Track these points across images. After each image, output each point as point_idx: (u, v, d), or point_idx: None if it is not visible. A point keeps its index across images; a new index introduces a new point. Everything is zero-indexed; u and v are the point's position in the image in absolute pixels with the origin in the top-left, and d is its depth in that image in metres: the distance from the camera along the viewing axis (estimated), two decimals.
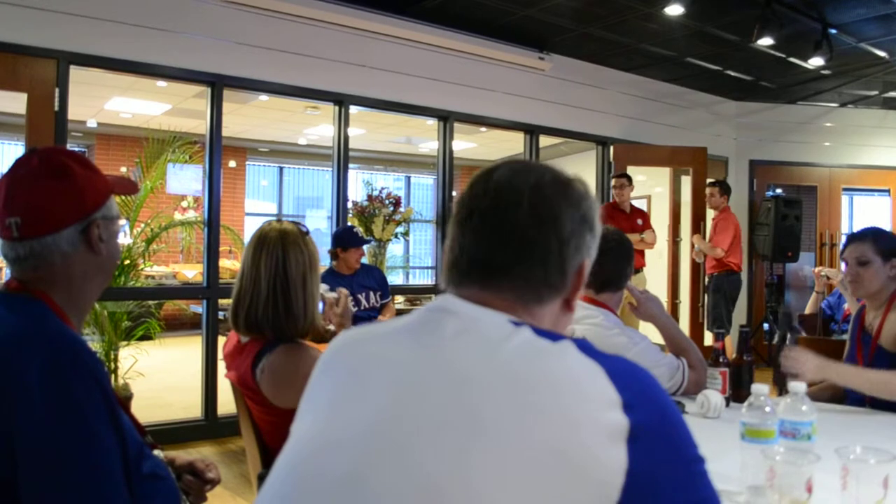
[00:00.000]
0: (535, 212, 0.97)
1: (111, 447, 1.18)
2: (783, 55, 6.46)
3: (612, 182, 6.55)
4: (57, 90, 4.42)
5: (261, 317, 1.97)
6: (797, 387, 1.56)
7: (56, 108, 4.43)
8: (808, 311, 4.82)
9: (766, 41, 5.54)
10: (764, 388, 1.52)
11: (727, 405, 2.24)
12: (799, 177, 8.50)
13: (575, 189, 1.02)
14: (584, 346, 0.89)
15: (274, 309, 1.97)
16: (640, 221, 6.44)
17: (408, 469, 0.81)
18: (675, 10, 5.20)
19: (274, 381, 1.95)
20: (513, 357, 0.87)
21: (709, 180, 7.24)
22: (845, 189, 8.61)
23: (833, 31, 5.74)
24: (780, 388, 2.02)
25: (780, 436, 1.51)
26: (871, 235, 2.57)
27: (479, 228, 0.98)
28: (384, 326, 1.02)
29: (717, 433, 1.97)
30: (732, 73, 7.21)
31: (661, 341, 2.58)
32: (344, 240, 4.71)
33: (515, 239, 0.97)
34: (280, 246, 2.00)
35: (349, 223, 5.62)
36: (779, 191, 8.23)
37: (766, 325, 7.51)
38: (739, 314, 8.16)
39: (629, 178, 6.50)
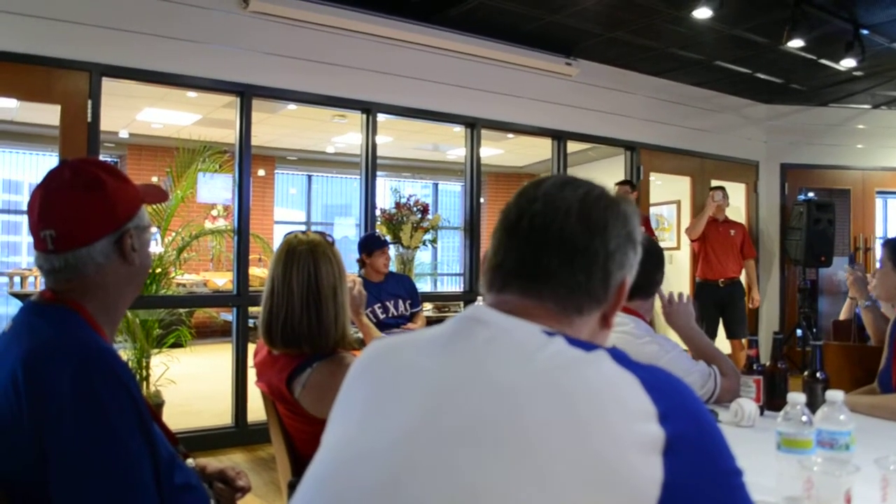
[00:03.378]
0: (584, 221, 0.98)
1: (141, 456, 1.19)
2: (814, 57, 6.38)
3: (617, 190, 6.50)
4: (90, 102, 4.50)
5: (297, 331, 1.96)
6: (834, 395, 1.53)
7: (89, 120, 4.50)
8: (842, 316, 4.73)
9: (796, 43, 5.47)
10: (801, 398, 1.49)
11: (761, 414, 2.20)
12: (831, 180, 8.37)
13: (622, 206, 1.04)
14: (619, 355, 0.89)
15: (308, 323, 1.96)
16: (641, 228, 6.34)
17: (445, 477, 0.81)
18: (703, 14, 5.16)
19: (318, 396, 1.94)
20: (549, 366, 0.86)
21: (718, 184, 7.13)
22: (879, 192, 8.46)
23: (865, 31, 5.65)
24: (809, 395, 1.99)
25: (818, 446, 1.48)
26: (891, 242, 2.67)
27: (527, 233, 0.99)
28: (415, 336, 1.02)
29: (751, 442, 1.94)
30: (762, 76, 7.13)
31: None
32: (367, 245, 4.79)
33: (564, 244, 0.97)
34: (311, 259, 1.99)
35: (376, 230, 5.64)
36: (811, 194, 8.11)
37: (799, 332, 7.39)
38: (772, 320, 8.06)
39: (632, 185, 6.52)
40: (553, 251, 0.97)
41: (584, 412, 0.81)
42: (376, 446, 0.88)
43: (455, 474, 0.80)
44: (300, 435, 2.07)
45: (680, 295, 2.58)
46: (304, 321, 1.96)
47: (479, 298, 1.06)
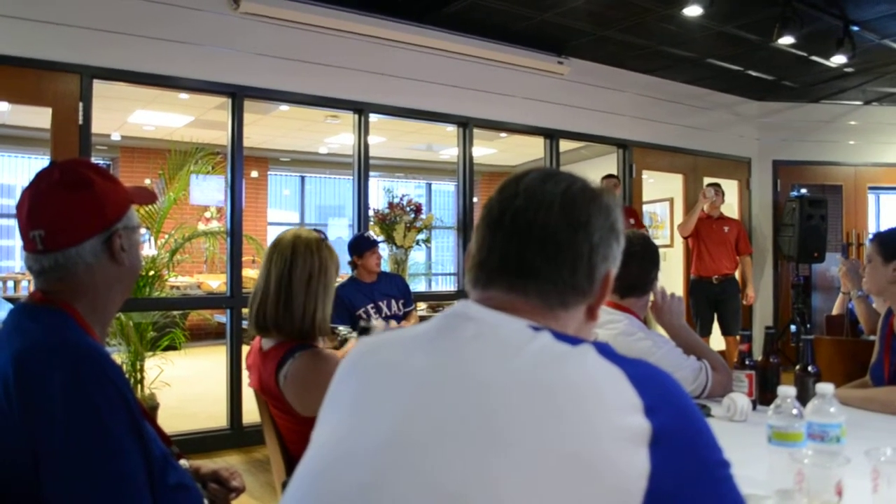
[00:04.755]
0: (567, 216, 0.98)
1: (134, 457, 1.19)
2: (805, 54, 6.40)
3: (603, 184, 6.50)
4: (81, 104, 4.48)
5: (268, 315, 2.07)
6: (825, 388, 1.53)
7: (80, 122, 4.49)
8: (835, 311, 4.75)
9: (786, 40, 5.49)
10: (791, 391, 1.50)
11: (754, 408, 2.21)
12: (823, 176, 8.40)
13: (604, 198, 1.03)
14: (605, 349, 0.89)
15: (276, 307, 2.07)
16: (632, 221, 6.33)
17: (425, 477, 0.81)
18: (693, 11, 5.17)
19: (296, 387, 2.00)
20: (532, 362, 0.86)
21: (713, 181, 7.17)
22: (871, 188, 8.49)
23: (855, 28, 5.67)
24: (800, 389, 1.99)
25: (809, 438, 1.49)
26: (880, 236, 2.66)
27: (510, 229, 0.99)
28: (402, 333, 1.02)
29: (743, 436, 1.94)
30: (754, 73, 7.15)
31: None
32: (356, 246, 4.79)
33: (547, 241, 0.97)
34: (290, 249, 2.11)
35: (368, 230, 5.64)
36: (803, 191, 8.13)
37: (792, 327, 7.41)
38: (765, 316, 8.08)
39: (618, 179, 6.49)
40: (537, 247, 0.97)
41: (564, 406, 0.81)
42: (361, 447, 0.87)
43: (436, 474, 0.80)
44: (290, 435, 2.10)
45: (672, 294, 2.58)
46: (274, 305, 2.07)
47: None
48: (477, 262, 1.02)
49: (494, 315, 0.94)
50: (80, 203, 1.35)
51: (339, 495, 0.85)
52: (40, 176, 1.37)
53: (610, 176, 6.51)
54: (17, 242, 10.01)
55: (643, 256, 2.42)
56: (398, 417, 0.88)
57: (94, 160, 5.39)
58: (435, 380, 0.89)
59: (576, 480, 0.78)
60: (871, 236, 2.72)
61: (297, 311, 2.07)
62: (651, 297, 2.57)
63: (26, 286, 8.85)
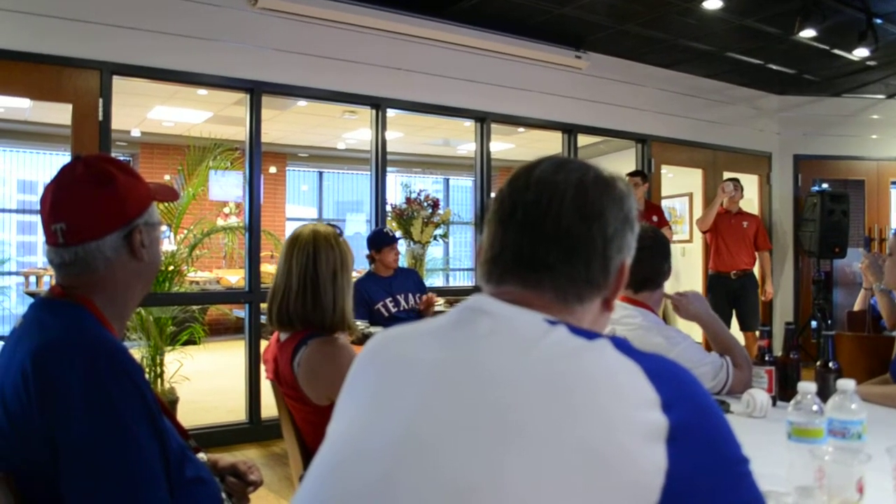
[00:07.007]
0: (580, 209, 0.96)
1: (151, 451, 1.20)
2: (826, 47, 6.32)
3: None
4: (101, 100, 4.52)
5: (292, 310, 2.07)
6: (846, 384, 1.51)
7: (100, 118, 4.53)
8: (856, 307, 4.70)
9: (808, 33, 5.43)
10: (811, 387, 1.48)
11: (774, 404, 2.19)
12: (845, 171, 8.30)
13: (618, 188, 1.00)
14: (622, 344, 0.87)
15: (303, 302, 2.07)
16: (655, 218, 6.28)
17: (440, 472, 0.80)
18: (713, 4, 5.13)
19: (309, 374, 2.02)
20: (547, 356, 0.85)
21: (732, 176, 7.10)
22: (894, 182, 8.38)
23: (878, 20, 5.60)
24: (821, 385, 1.97)
25: (829, 435, 1.47)
26: None
27: (522, 224, 0.96)
28: (418, 326, 1.01)
29: (763, 433, 1.92)
30: (774, 67, 7.08)
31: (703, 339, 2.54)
32: (375, 241, 4.82)
33: (561, 235, 0.95)
34: (311, 244, 2.11)
35: (387, 225, 5.65)
36: (825, 185, 8.05)
37: (813, 323, 7.34)
38: (786, 312, 8.02)
39: (643, 176, 6.41)
40: (550, 242, 0.95)
41: (580, 401, 0.80)
42: (376, 442, 0.87)
43: (450, 469, 0.80)
44: (307, 427, 2.12)
45: (683, 292, 2.57)
46: (299, 300, 2.07)
47: None
48: (489, 257, 1.00)
49: (510, 309, 0.93)
50: (101, 198, 1.36)
51: (354, 490, 0.85)
52: (64, 171, 1.39)
53: (636, 173, 6.43)
54: (39, 238, 10.12)
55: (654, 250, 2.41)
56: (413, 412, 0.87)
57: (114, 156, 5.42)
58: (450, 374, 0.89)
59: (591, 476, 0.77)
60: (893, 230, 2.70)
61: (328, 306, 2.07)
62: (668, 300, 2.55)
63: (48, 281, 8.94)
